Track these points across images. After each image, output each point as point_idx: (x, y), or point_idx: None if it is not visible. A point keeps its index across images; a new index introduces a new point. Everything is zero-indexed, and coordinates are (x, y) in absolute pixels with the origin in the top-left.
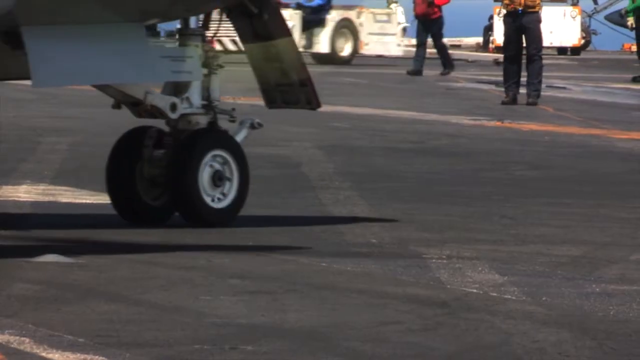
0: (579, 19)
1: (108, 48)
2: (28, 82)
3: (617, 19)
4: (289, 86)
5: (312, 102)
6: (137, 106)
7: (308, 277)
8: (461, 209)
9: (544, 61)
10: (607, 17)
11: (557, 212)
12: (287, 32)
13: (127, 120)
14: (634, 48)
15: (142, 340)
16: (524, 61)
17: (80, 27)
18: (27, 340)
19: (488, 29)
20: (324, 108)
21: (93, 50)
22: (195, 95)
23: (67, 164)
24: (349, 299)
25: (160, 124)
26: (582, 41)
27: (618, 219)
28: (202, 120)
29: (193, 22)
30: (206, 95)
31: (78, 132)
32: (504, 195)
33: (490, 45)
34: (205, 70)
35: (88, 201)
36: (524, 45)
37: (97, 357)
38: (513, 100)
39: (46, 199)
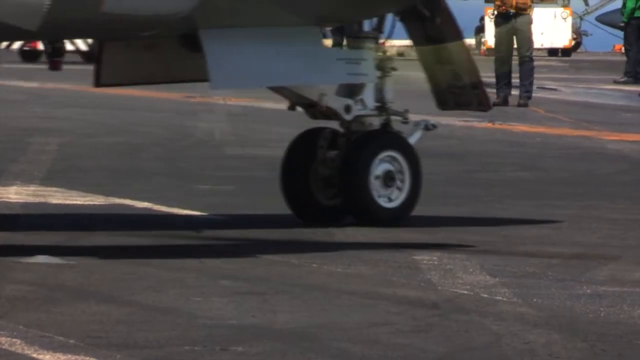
0: (570, 20)
1: (285, 50)
2: (19, 83)
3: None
4: (461, 88)
5: (484, 104)
6: (312, 108)
7: (299, 278)
8: (452, 210)
9: (535, 62)
10: (598, 18)
11: (548, 213)
12: (458, 36)
13: (122, 121)
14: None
15: (133, 341)
16: (515, 62)
17: (257, 29)
18: (18, 341)
19: (479, 30)
20: None
21: (270, 53)
22: (369, 97)
23: (57, 164)
24: (339, 300)
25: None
26: (573, 42)
27: (609, 220)
28: (376, 122)
29: (367, 25)
30: (379, 97)
31: (68, 133)
32: (494, 197)
33: (482, 47)
34: (379, 73)
35: (78, 202)
36: (515, 46)
37: (87, 358)
38: (504, 102)
39: (36, 200)
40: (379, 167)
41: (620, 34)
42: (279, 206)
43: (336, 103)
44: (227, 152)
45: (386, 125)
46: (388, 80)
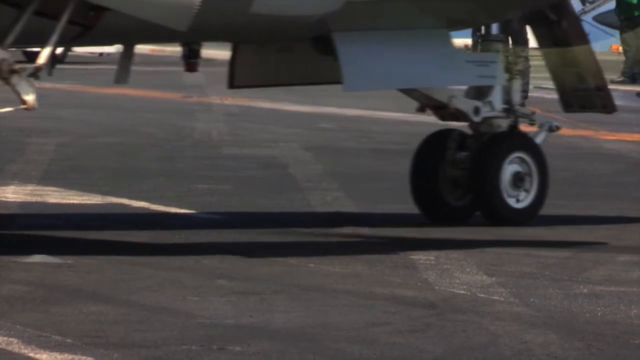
0: None
1: (416, 53)
2: None
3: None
4: (586, 91)
5: (608, 107)
6: (441, 109)
7: (296, 278)
8: None
9: (531, 62)
10: (596, 18)
11: (545, 213)
12: (584, 40)
13: (119, 121)
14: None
15: (130, 341)
16: None
17: (389, 32)
18: (16, 340)
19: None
20: (312, 109)
21: (402, 55)
22: (496, 99)
23: (55, 164)
24: (336, 300)
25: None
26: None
27: (606, 220)
28: (503, 124)
29: (494, 28)
30: (506, 99)
31: (66, 133)
32: None
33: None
34: (506, 75)
35: (76, 202)
36: None
37: (85, 357)
38: None
39: (34, 199)
40: (509, 168)
41: (617, 33)
42: (277, 205)
43: (465, 105)
44: (224, 152)
45: (514, 126)
46: (515, 83)
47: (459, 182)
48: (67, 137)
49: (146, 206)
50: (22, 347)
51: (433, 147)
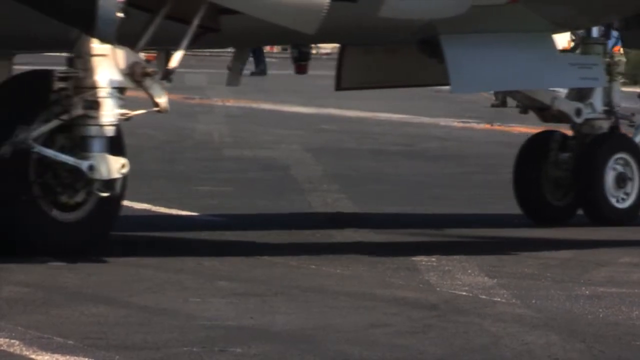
0: None
1: (521, 55)
2: None
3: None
4: None
5: None
6: (544, 111)
7: (297, 279)
8: (450, 212)
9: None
10: None
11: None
12: None
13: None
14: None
15: (131, 343)
16: None
17: (494, 35)
18: (17, 342)
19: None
20: (312, 110)
21: (507, 58)
22: (597, 100)
23: None
24: (337, 301)
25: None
26: (572, 44)
27: (607, 222)
28: (604, 125)
29: (595, 31)
30: (607, 100)
31: None
32: (493, 198)
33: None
34: (607, 77)
35: None
36: None
37: (86, 359)
38: (503, 103)
39: None
40: (612, 169)
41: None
42: (277, 207)
43: (567, 106)
44: (225, 153)
45: (615, 128)
46: (615, 84)
47: (560, 182)
48: None
49: (148, 208)
50: (24, 348)
51: (535, 149)
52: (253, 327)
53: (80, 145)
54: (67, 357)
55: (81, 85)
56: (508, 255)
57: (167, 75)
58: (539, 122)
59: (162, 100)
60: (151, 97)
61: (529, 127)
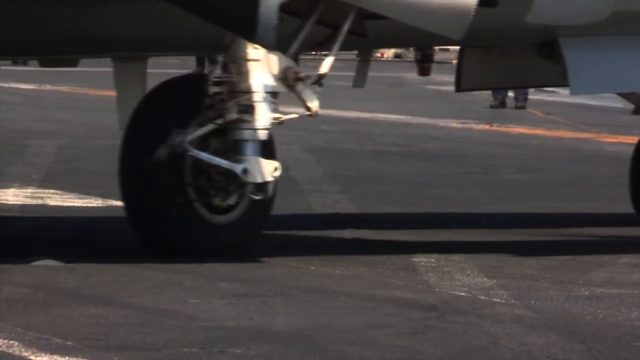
0: None
1: (638, 57)
2: (16, 85)
3: None
4: None
5: None
6: None
7: (296, 280)
8: (450, 212)
9: None
10: None
11: (546, 216)
12: None
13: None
14: None
15: (131, 344)
16: None
17: (612, 37)
18: (16, 343)
19: None
20: None
21: (625, 59)
22: None
23: (55, 167)
24: (337, 302)
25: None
26: None
27: (607, 222)
28: None
29: None
30: None
31: (66, 135)
32: (492, 199)
33: None
34: None
35: (76, 204)
36: None
37: None
38: (502, 104)
39: (34, 202)
40: None
41: None
42: (277, 207)
43: None
44: None
45: None
46: None
47: None
48: (68, 140)
49: None
50: (23, 349)
51: None
52: (252, 328)
53: (233, 149)
54: (67, 358)
55: (235, 89)
56: (507, 256)
57: (319, 79)
58: (538, 123)
59: (314, 104)
60: (303, 102)
61: (528, 128)
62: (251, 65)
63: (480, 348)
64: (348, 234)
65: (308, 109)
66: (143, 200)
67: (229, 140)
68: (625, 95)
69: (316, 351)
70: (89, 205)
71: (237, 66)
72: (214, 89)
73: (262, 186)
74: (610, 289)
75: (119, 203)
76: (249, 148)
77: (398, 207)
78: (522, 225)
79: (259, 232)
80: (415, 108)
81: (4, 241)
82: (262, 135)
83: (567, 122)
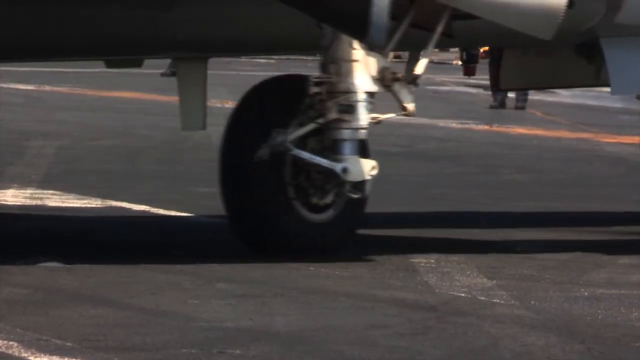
0: None
1: None
2: (16, 86)
3: None
4: None
5: None
6: None
7: (296, 281)
8: (450, 212)
9: None
10: None
11: (546, 216)
12: None
13: (119, 124)
14: None
15: (130, 344)
16: None
17: None
18: (15, 344)
19: None
20: None
21: None
22: None
23: (54, 167)
24: (336, 302)
25: None
26: None
27: (606, 223)
28: None
29: None
30: None
31: (65, 136)
32: (492, 199)
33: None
34: None
35: (76, 205)
36: None
37: None
38: (501, 104)
39: (33, 202)
40: None
41: None
42: None
43: None
44: None
45: None
46: None
47: None
48: (67, 140)
49: (146, 209)
50: (22, 350)
51: None
52: (252, 329)
53: (331, 148)
54: (66, 358)
55: (335, 90)
56: (507, 257)
57: (414, 80)
58: (537, 123)
59: (411, 105)
60: (399, 102)
61: (527, 128)
62: (351, 66)
63: (480, 349)
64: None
65: (404, 108)
66: (244, 199)
67: (326, 139)
68: None
69: (316, 352)
70: (89, 205)
71: (337, 67)
72: (314, 89)
73: (359, 185)
74: (610, 290)
75: (118, 203)
76: (348, 147)
77: (398, 207)
78: (522, 225)
79: (354, 230)
80: (415, 108)
81: (4, 242)
82: (361, 134)
83: (566, 122)
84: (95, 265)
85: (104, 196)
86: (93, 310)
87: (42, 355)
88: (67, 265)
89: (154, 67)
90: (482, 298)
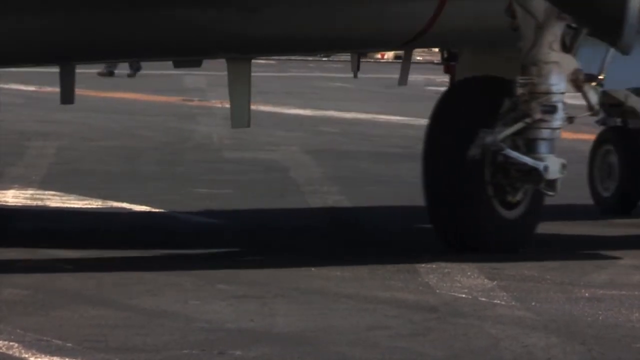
0: None
1: None
2: (16, 86)
3: None
4: None
5: None
6: None
7: (296, 281)
8: None
9: None
10: None
11: (546, 217)
12: None
13: (120, 124)
14: None
15: (131, 345)
16: None
17: None
18: (16, 345)
19: None
20: (312, 112)
21: None
22: None
23: (55, 168)
24: (337, 303)
25: None
26: None
27: (607, 224)
28: None
29: None
30: None
31: (66, 137)
32: None
33: None
34: None
35: (76, 206)
36: None
37: None
38: None
39: (34, 203)
40: None
41: None
42: (277, 209)
43: None
44: (224, 155)
45: None
46: None
47: None
48: (68, 141)
49: (147, 210)
50: (23, 351)
51: None
52: (253, 330)
53: (528, 147)
54: (66, 359)
55: (536, 90)
56: (507, 258)
57: (598, 80)
58: None
59: (597, 105)
60: (588, 102)
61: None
62: (550, 68)
63: (481, 349)
64: (348, 235)
65: (592, 108)
66: (448, 198)
67: (522, 139)
68: None
69: (317, 353)
70: (89, 206)
71: (538, 68)
72: (520, 90)
73: (552, 183)
74: (610, 291)
75: (119, 204)
76: (546, 146)
77: (398, 208)
78: None
79: (536, 228)
80: (415, 109)
81: (4, 242)
82: (558, 134)
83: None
84: (95, 266)
85: (104, 197)
86: (94, 311)
87: (43, 356)
88: (68, 266)
89: (154, 67)
90: (483, 299)
